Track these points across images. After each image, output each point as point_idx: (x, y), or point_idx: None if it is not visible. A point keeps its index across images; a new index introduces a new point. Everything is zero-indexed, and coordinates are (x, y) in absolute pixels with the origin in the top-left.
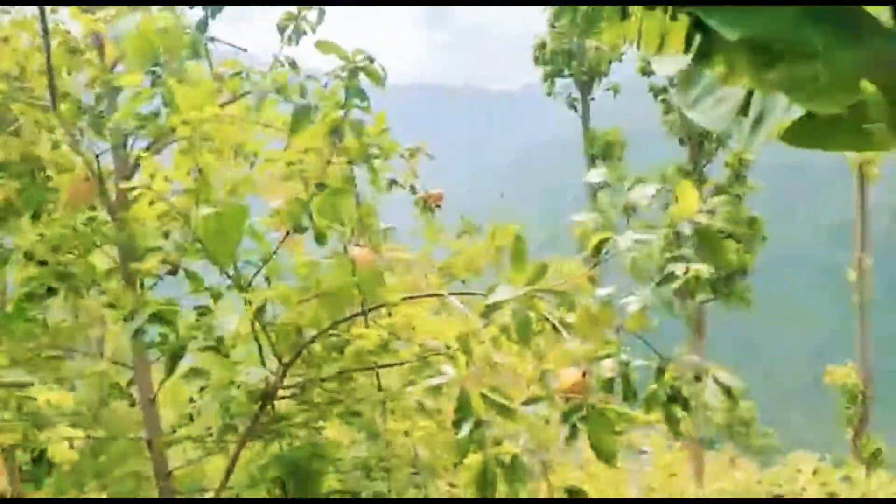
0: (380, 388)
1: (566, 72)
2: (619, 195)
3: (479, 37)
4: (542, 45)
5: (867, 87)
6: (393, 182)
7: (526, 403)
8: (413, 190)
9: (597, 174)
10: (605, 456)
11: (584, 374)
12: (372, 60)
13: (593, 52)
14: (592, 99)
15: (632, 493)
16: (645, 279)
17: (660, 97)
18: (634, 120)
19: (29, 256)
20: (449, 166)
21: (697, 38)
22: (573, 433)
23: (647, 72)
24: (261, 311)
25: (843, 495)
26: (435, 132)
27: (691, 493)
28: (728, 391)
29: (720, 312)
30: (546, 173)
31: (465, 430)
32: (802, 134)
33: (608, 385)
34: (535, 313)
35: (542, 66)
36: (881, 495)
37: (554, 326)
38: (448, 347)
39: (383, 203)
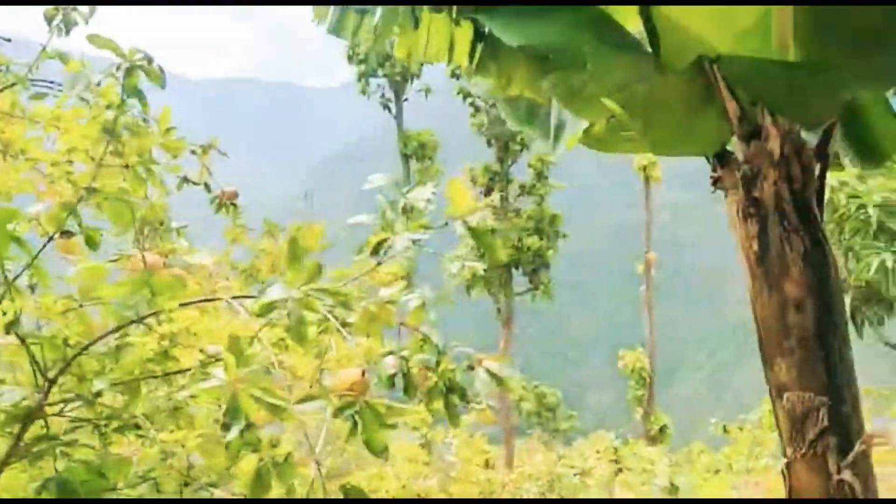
0: (162, 399)
1: (380, 72)
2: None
3: (294, 32)
4: (356, 44)
5: (612, 105)
6: (185, 180)
7: (300, 402)
8: (207, 188)
9: (379, 178)
10: (377, 450)
11: (363, 373)
12: (150, 60)
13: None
14: (405, 100)
15: (432, 485)
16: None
17: (468, 99)
18: (449, 121)
19: None
20: (267, 162)
21: (479, 48)
22: (353, 429)
23: (455, 74)
24: (13, 323)
25: (628, 467)
26: (250, 127)
27: (495, 479)
28: (498, 378)
29: (527, 304)
30: (364, 171)
31: (234, 432)
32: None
33: (391, 381)
34: (315, 313)
35: (355, 65)
36: (660, 465)
37: (337, 328)
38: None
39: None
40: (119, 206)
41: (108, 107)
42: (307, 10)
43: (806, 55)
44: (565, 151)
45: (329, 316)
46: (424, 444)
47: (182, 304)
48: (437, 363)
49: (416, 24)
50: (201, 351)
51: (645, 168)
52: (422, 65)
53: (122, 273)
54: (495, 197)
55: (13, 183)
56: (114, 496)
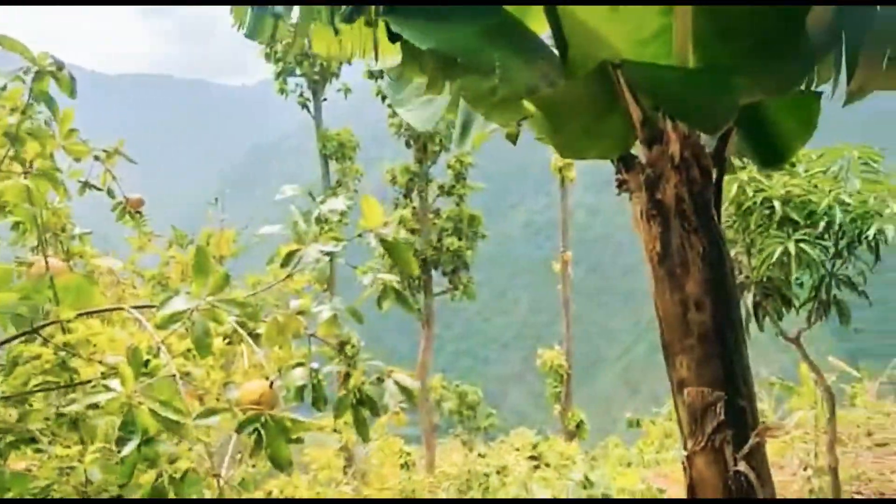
0: (58, 413)
1: (298, 71)
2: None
3: (209, 27)
4: (273, 43)
5: (529, 107)
6: (86, 185)
7: (201, 416)
8: (111, 194)
9: (290, 189)
10: (280, 464)
11: (270, 385)
12: (61, 67)
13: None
14: (324, 99)
15: (347, 490)
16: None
17: (386, 100)
18: (370, 121)
19: None
20: (182, 162)
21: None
22: (258, 443)
23: (373, 75)
24: None
25: (546, 462)
26: (163, 127)
27: (414, 480)
28: (407, 392)
29: (449, 304)
30: (284, 171)
31: (129, 447)
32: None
33: (299, 393)
34: (219, 324)
35: (273, 64)
36: (578, 459)
37: (245, 339)
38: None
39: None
40: (19, 211)
41: (13, 111)
42: (224, 7)
43: (704, 62)
44: (485, 154)
45: (237, 327)
46: (343, 447)
47: (80, 314)
48: (347, 376)
49: (336, 32)
50: (101, 363)
51: (561, 169)
52: (340, 64)
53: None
54: (415, 198)
55: None
56: None
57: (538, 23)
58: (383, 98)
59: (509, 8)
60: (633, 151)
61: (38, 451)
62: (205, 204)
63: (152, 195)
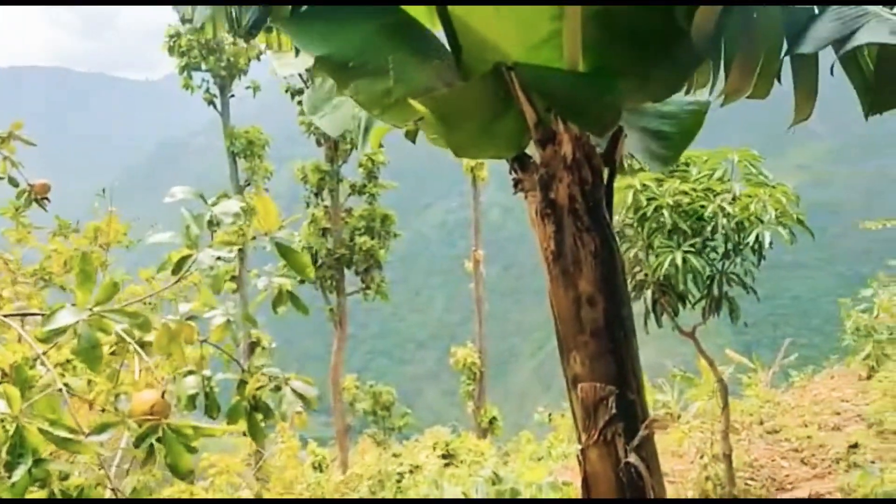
0: None
1: (203, 66)
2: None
3: (111, 19)
4: (177, 35)
5: (419, 107)
6: None
7: (95, 432)
8: (13, 182)
9: (180, 191)
10: (181, 473)
11: (162, 394)
12: None
13: (231, 48)
14: (232, 96)
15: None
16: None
17: (296, 98)
18: (280, 118)
19: None
20: (83, 158)
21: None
22: (150, 454)
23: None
24: None
25: (459, 459)
26: (62, 120)
27: (326, 481)
28: (305, 399)
29: (363, 304)
30: (191, 170)
31: (20, 472)
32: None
33: (192, 402)
34: (106, 334)
35: (176, 57)
36: (488, 455)
37: (134, 347)
38: (5, 376)
39: None
40: None
41: None
42: None
43: (591, 67)
44: (397, 152)
45: (124, 336)
46: (253, 451)
47: None
48: (243, 382)
49: (246, 41)
50: None
51: (473, 169)
52: (249, 61)
53: None
54: (326, 197)
55: None
56: None
57: (436, 24)
58: (293, 95)
59: (410, 9)
60: (527, 152)
61: None
62: (112, 199)
63: (52, 194)
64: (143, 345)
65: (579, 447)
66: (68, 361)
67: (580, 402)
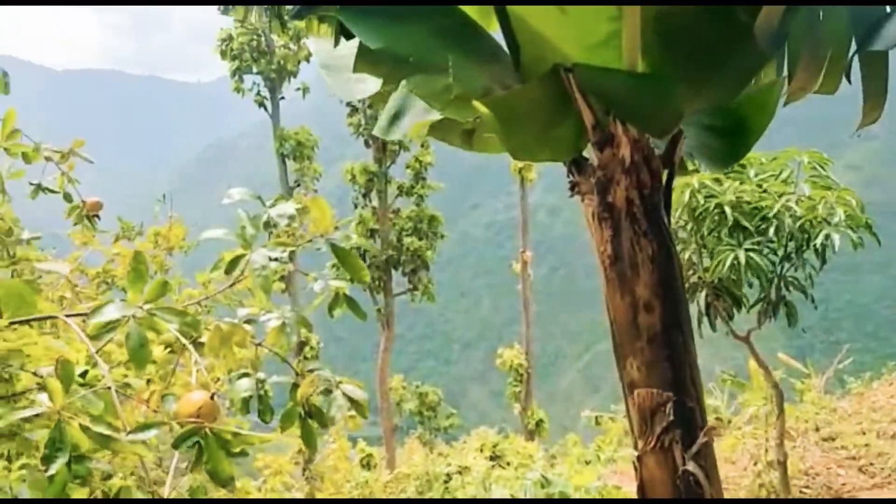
0: None
1: (254, 69)
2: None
3: (163, 21)
4: (229, 39)
5: (480, 108)
6: (39, 188)
7: (137, 431)
8: (67, 198)
9: (238, 192)
10: (222, 481)
11: (212, 396)
12: None
13: (282, 50)
14: (282, 98)
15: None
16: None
17: (345, 99)
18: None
19: None
20: (134, 161)
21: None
22: (198, 458)
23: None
24: None
25: (507, 460)
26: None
27: (374, 480)
28: (356, 404)
29: (410, 305)
30: (240, 171)
31: (56, 466)
32: (447, 134)
33: (245, 405)
34: (157, 333)
35: (228, 61)
36: (536, 457)
37: (187, 347)
38: (56, 369)
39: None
40: None
41: None
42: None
43: (651, 69)
44: (444, 154)
45: (178, 336)
46: (301, 450)
47: (13, 322)
48: (295, 386)
49: (283, 27)
50: (34, 374)
51: (520, 170)
52: (299, 63)
53: None
54: (374, 198)
55: None
56: None
57: (494, 25)
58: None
59: (467, 9)
60: (585, 154)
61: None
62: (153, 205)
63: (103, 194)
64: (197, 346)
65: (635, 454)
66: (127, 362)
67: (636, 408)
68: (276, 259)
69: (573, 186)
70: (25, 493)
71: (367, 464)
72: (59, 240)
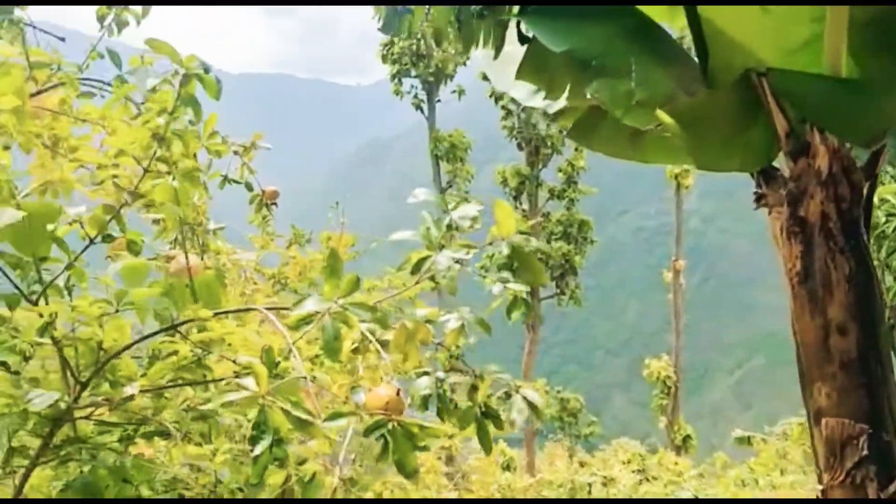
0: (189, 408)
1: (413, 72)
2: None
3: (330, 28)
4: (390, 44)
5: (663, 115)
6: (226, 179)
7: (329, 419)
8: (249, 188)
9: (422, 192)
10: (407, 472)
11: (398, 392)
12: (208, 69)
13: (440, 54)
14: (438, 100)
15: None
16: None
17: (500, 102)
18: (478, 122)
19: None
20: (293, 160)
21: (527, 53)
22: (385, 449)
23: (487, 77)
24: (48, 325)
25: (653, 476)
26: (279, 124)
27: (515, 483)
28: (535, 408)
29: (553, 308)
30: (394, 171)
31: (261, 447)
32: (610, 144)
33: (425, 402)
34: (349, 328)
35: (389, 64)
36: (686, 476)
37: (374, 344)
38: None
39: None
40: (165, 210)
41: (161, 112)
42: (346, 8)
43: (856, 74)
44: (595, 157)
45: (366, 333)
46: (446, 447)
47: (217, 313)
48: (474, 388)
49: (459, 27)
50: (234, 362)
51: (677, 176)
52: (456, 66)
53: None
54: (524, 200)
55: (61, 181)
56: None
57: (676, 28)
58: (497, 100)
59: (646, 9)
60: (774, 164)
61: (171, 445)
62: (316, 199)
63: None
64: (382, 344)
65: (820, 487)
66: (317, 356)
67: (824, 439)
68: (458, 261)
69: (759, 198)
70: (226, 475)
71: (507, 466)
72: (228, 234)
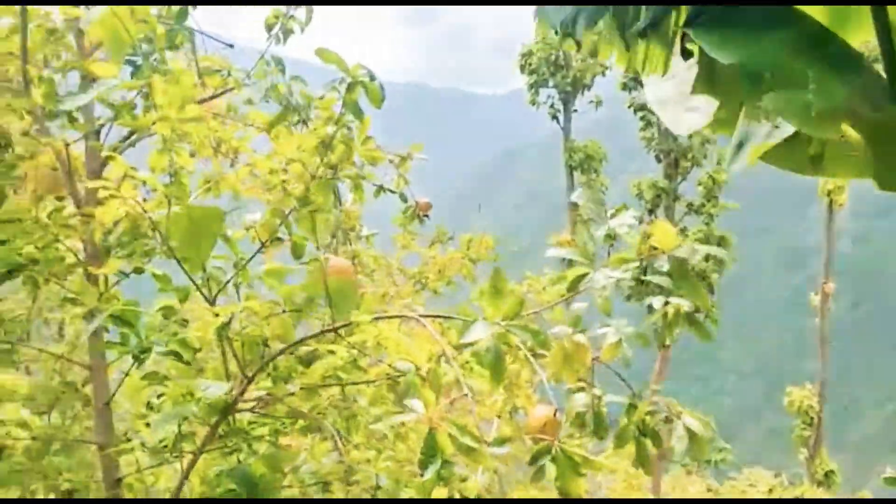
0: (345, 408)
1: (550, 82)
2: (599, 220)
3: (466, 38)
4: (529, 54)
5: (850, 132)
6: (381, 188)
7: (494, 444)
8: (403, 198)
9: (578, 195)
10: (572, 497)
11: (554, 413)
12: (373, 77)
13: (578, 64)
14: (575, 111)
15: None
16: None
17: (639, 113)
18: (618, 133)
19: None
20: (428, 168)
21: (701, 66)
22: (539, 473)
23: (627, 87)
24: (226, 323)
25: None
26: (415, 133)
27: None
28: (696, 438)
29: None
30: (525, 179)
31: (431, 471)
32: (785, 158)
33: (580, 420)
34: (509, 347)
35: (527, 74)
36: None
37: (528, 359)
38: (417, 370)
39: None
40: (325, 215)
41: (328, 120)
42: (478, 19)
43: None
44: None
45: (526, 353)
46: None
47: (376, 318)
48: (633, 406)
49: (627, 47)
50: (389, 366)
51: (830, 192)
52: (594, 76)
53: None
54: (660, 214)
55: (226, 184)
56: (286, 494)
57: (855, 37)
58: (636, 111)
59: (813, 12)
60: None
61: (323, 439)
62: (447, 206)
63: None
64: (537, 358)
65: None
66: (466, 363)
67: None
68: (617, 280)
69: None
70: (384, 481)
71: (630, 485)
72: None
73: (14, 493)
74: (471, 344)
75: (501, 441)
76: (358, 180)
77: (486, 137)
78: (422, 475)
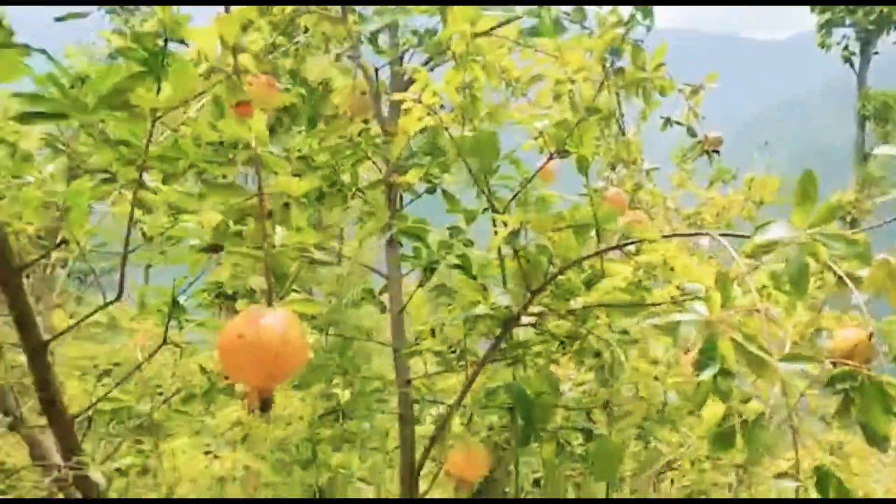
0: (625, 332)
1: (847, 20)
2: None
3: None
4: None
5: None
6: (668, 121)
7: (785, 360)
8: (691, 132)
9: (890, 148)
10: (876, 439)
11: (869, 336)
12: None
13: None
14: (876, 53)
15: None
16: None
17: None
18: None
19: (304, 160)
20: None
21: None
22: (845, 405)
23: None
24: (515, 234)
25: None
26: (686, 80)
27: None
28: None
29: None
30: (803, 130)
31: (707, 374)
32: None
33: None
34: (816, 261)
35: (819, 13)
36: None
37: (840, 279)
38: (706, 290)
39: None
40: (608, 129)
41: (617, 23)
42: None
43: None
44: None
45: (833, 266)
46: None
47: (666, 236)
48: None
49: None
50: (678, 287)
51: None
52: None
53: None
54: None
55: (505, 110)
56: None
57: None
58: None
59: None
60: None
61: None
62: (728, 159)
63: (672, 139)
64: (854, 281)
65: None
66: (764, 287)
67: None
68: None
69: None
70: (672, 399)
71: None
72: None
73: (315, 390)
74: (767, 249)
75: (795, 357)
76: (648, 92)
77: (761, 87)
78: (696, 376)
